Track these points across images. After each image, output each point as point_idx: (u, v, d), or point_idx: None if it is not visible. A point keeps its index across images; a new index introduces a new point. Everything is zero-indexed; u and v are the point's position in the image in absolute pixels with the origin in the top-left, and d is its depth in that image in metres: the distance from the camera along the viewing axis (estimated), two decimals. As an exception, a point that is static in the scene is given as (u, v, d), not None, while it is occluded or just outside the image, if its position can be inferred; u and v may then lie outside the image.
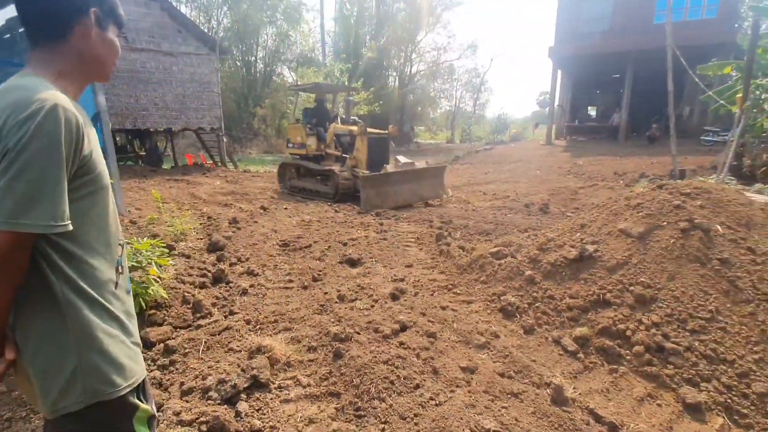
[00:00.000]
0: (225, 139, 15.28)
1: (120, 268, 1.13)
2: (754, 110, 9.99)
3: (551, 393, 2.18)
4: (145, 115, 12.47)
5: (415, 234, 5.35)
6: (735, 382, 2.18)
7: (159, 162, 13.89)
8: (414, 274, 3.90)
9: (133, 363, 1.09)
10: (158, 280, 3.30)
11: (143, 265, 2.82)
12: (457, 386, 2.26)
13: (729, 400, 2.13)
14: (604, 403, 2.24)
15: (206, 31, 28.26)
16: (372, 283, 3.65)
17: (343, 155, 8.37)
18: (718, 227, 2.81)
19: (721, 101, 11.36)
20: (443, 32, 35.73)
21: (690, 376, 2.27)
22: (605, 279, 2.90)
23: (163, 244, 3.08)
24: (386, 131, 8.72)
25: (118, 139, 15.73)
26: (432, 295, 3.39)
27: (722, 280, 2.57)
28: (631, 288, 2.73)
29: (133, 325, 1.16)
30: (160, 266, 3.73)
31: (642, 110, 21.02)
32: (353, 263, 4.25)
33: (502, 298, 3.20)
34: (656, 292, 2.66)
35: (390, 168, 7.62)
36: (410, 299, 3.29)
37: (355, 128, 8.20)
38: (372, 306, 3.20)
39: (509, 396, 2.20)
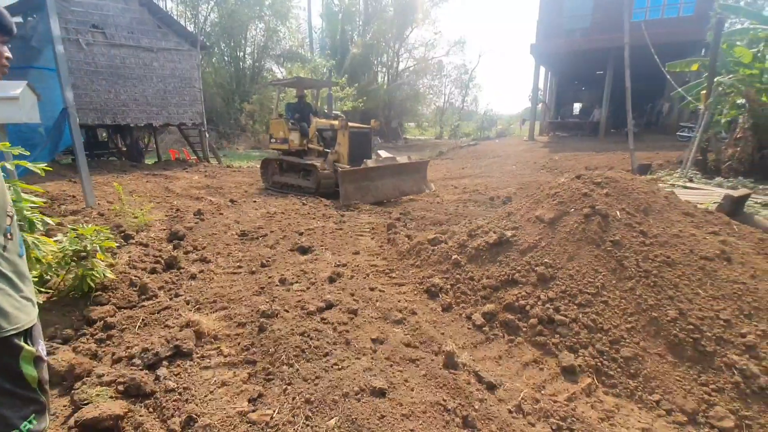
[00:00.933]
0: (208, 135, 15.41)
1: (9, 234, 1.35)
2: (718, 106, 10.31)
3: (444, 359, 2.43)
4: (125, 111, 12.58)
5: (371, 225, 5.60)
6: (607, 348, 2.44)
7: (140, 157, 14.01)
8: (358, 260, 4.14)
9: (19, 312, 1.32)
10: (112, 265, 3.53)
11: (88, 249, 3.03)
12: (363, 354, 2.50)
13: (600, 364, 2.40)
14: (492, 367, 2.50)
15: (193, 26, 28.26)
16: (315, 269, 3.89)
17: (326, 150, 8.33)
18: (617, 212, 3.08)
19: (689, 98, 11.70)
20: (431, 28, 35.92)
21: (571, 343, 2.53)
22: (517, 261, 3.16)
23: (107, 229, 3.28)
24: (368, 126, 8.66)
25: (102, 134, 15.85)
26: (366, 278, 3.63)
27: (612, 259, 2.83)
28: (536, 268, 2.99)
29: (24, 284, 1.38)
30: (115, 253, 3.95)
31: (623, 106, 21.37)
32: (304, 251, 4.48)
33: (429, 280, 3.45)
34: (556, 271, 2.92)
35: (371, 163, 7.58)
36: (345, 282, 3.53)
37: (336, 122, 8.17)
38: (308, 288, 3.43)
39: (407, 362, 2.44)
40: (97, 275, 3.09)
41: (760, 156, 9.52)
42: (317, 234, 5.07)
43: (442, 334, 2.81)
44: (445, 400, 2.10)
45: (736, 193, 5.87)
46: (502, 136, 27.08)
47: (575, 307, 2.68)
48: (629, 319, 2.53)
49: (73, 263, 3.04)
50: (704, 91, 9.86)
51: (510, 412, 2.08)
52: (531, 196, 3.87)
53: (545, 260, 3.00)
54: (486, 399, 2.15)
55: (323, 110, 10.32)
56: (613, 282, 2.72)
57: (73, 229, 3.12)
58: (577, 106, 27.52)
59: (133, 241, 4.47)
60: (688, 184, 8.95)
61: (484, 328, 2.85)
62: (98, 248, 3.09)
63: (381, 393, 2.12)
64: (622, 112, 21.64)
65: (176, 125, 14.26)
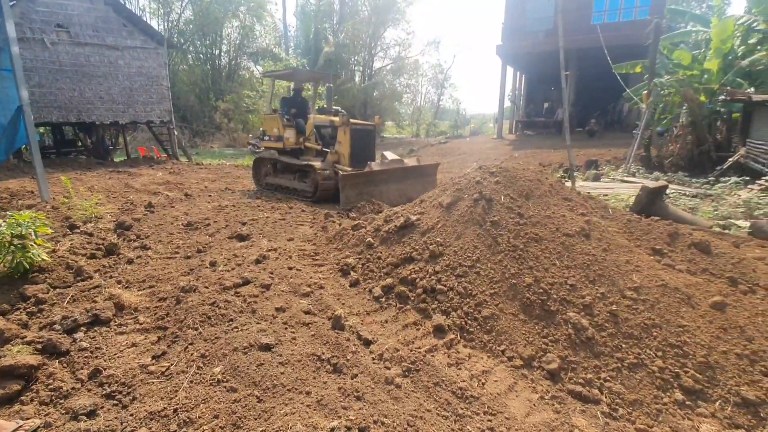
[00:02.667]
0: (177, 133, 15.51)
1: None
2: (660, 105, 11.00)
3: (332, 321, 2.81)
4: (91, 109, 12.63)
5: (314, 215, 5.96)
6: (472, 310, 2.86)
7: (106, 154, 14.04)
8: (289, 246, 4.49)
9: None
10: (54, 251, 3.80)
11: (24, 233, 3.31)
12: (264, 320, 2.86)
13: (464, 323, 2.81)
14: (377, 329, 2.89)
15: (165, 23, 28.07)
16: (247, 253, 4.23)
17: (324, 149, 7.61)
18: (502, 197, 3.51)
19: (636, 98, 12.40)
20: (407, 27, 36.37)
21: (445, 308, 2.94)
22: (417, 241, 3.57)
23: (43, 216, 3.56)
24: (371, 123, 7.98)
25: (70, 132, 15.78)
26: (289, 259, 3.99)
27: (489, 237, 3.26)
28: (430, 246, 3.40)
29: None
30: (58, 241, 4.22)
31: (587, 106, 22.24)
32: (242, 238, 4.81)
33: (344, 260, 3.83)
34: (445, 248, 3.33)
35: (376, 166, 7.00)
36: (269, 263, 3.88)
37: (336, 119, 7.46)
38: (233, 269, 3.77)
39: (301, 325, 2.81)
40: (33, 258, 3.37)
41: (699, 152, 10.23)
42: (259, 224, 5.41)
43: (343, 304, 3.19)
44: (321, 353, 2.48)
45: (652, 185, 6.43)
46: (476, 134, 27.73)
47: (454, 277, 3.09)
48: (494, 286, 2.96)
49: (13, 247, 3.32)
50: (645, 92, 10.52)
51: (373, 360, 2.47)
52: (441, 185, 4.29)
53: (438, 239, 3.41)
54: (358, 352, 2.54)
55: (322, 106, 9.58)
56: (487, 256, 3.14)
57: (12, 216, 3.39)
58: (547, 105, 28.37)
59: (79, 231, 4.73)
60: (627, 178, 9.58)
61: (381, 299, 3.24)
62: (33, 233, 3.37)
63: (267, 348, 2.49)
64: (585, 111, 22.55)
65: (144, 123, 14.33)
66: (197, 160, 15.24)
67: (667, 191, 7.53)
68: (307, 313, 2.98)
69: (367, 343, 2.65)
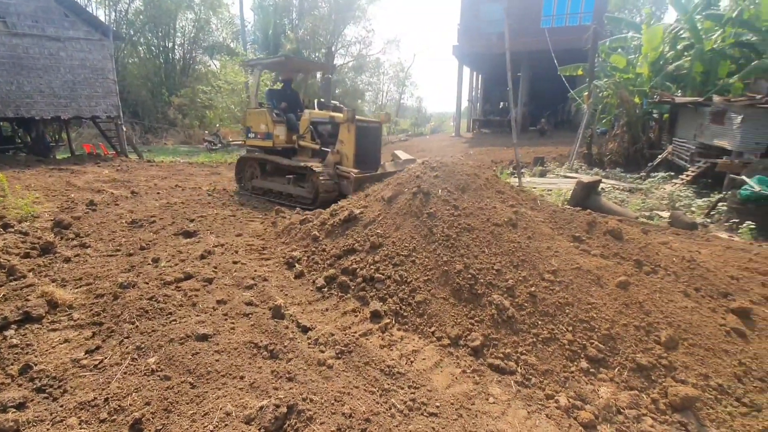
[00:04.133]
0: (126, 129, 14.85)
1: None
2: (599, 106, 11.75)
3: (273, 311, 2.90)
4: (30, 103, 11.86)
5: (266, 211, 5.98)
6: (407, 296, 3.04)
7: (47, 151, 13.23)
8: (237, 241, 4.52)
9: None
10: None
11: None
12: (204, 312, 2.91)
13: (399, 308, 2.99)
14: (317, 317, 3.01)
15: (113, 13, 26.67)
16: (192, 249, 4.22)
17: (323, 149, 6.81)
18: (439, 191, 3.72)
19: (579, 99, 13.16)
20: (368, 25, 36.46)
21: (383, 295, 3.11)
22: (359, 233, 3.71)
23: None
24: (377, 120, 7.20)
25: (4, 127, 14.71)
26: (235, 254, 4.03)
27: (425, 227, 3.46)
28: (371, 238, 3.55)
29: None
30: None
31: (540, 106, 23.28)
32: (189, 235, 4.77)
33: (290, 254, 3.92)
34: (384, 239, 3.50)
35: (391, 166, 6.45)
36: (214, 258, 3.90)
37: (339, 114, 6.73)
38: (176, 264, 3.77)
39: (241, 316, 2.89)
40: (-43, 257, 3.23)
41: (633, 150, 11.04)
42: (208, 220, 5.37)
43: (286, 295, 3.29)
44: (259, 341, 2.57)
45: (586, 180, 6.91)
46: (436, 132, 28.31)
47: (391, 266, 3.26)
48: (428, 273, 3.15)
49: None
50: (586, 93, 11.23)
51: (309, 345, 2.59)
52: (387, 180, 4.47)
53: (378, 231, 3.57)
54: (296, 338, 2.65)
55: (318, 99, 8.76)
56: (423, 245, 3.34)
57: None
58: (502, 105, 29.42)
59: (13, 230, 4.53)
60: (570, 174, 10.20)
61: (323, 289, 3.36)
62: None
63: (204, 338, 2.55)
64: (538, 110, 23.61)
65: (89, 118, 13.61)
66: (148, 158, 14.66)
67: (603, 186, 8.13)
68: (248, 304, 3.05)
69: (306, 330, 2.77)
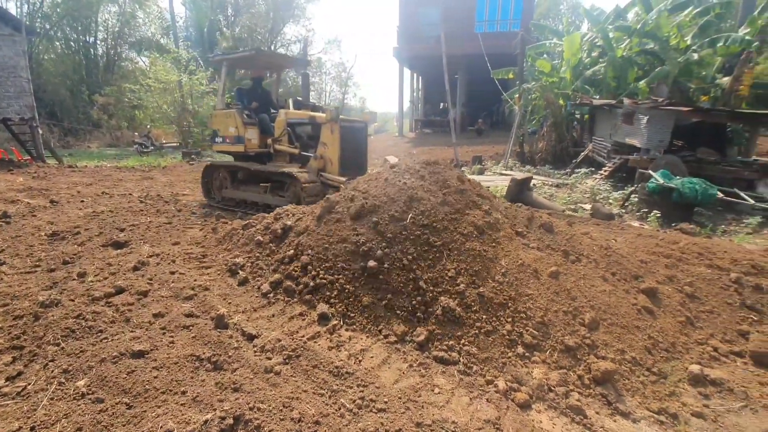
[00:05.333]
0: (41, 131, 13.43)
1: None
2: (529, 107, 12.57)
3: (215, 321, 2.82)
4: None
5: (206, 216, 5.73)
6: (352, 299, 3.09)
7: (-56, 158, 11.63)
8: (174, 250, 4.30)
9: None
10: None
11: None
12: (139, 327, 2.76)
13: (346, 310, 3.02)
14: (263, 323, 2.96)
15: (26, 5, 23.98)
16: (124, 260, 3.95)
17: (303, 153, 6.32)
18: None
19: (510, 101, 13.98)
20: (308, 24, 36.01)
21: (327, 298, 3.13)
22: (296, 240, 3.69)
23: None
24: (362, 120, 6.71)
25: None
26: (172, 264, 3.84)
27: (371, 229, 3.52)
28: (309, 246, 3.55)
29: None
30: None
31: (477, 107, 24.38)
32: (119, 245, 4.46)
33: (233, 260, 3.80)
34: (325, 248, 3.51)
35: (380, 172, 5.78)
36: (149, 269, 3.69)
37: (320, 114, 6.24)
38: (106, 278, 3.52)
39: (181, 328, 2.77)
40: None
41: (560, 148, 11.93)
42: (140, 229, 5.05)
43: (229, 303, 3.19)
44: (201, 353, 2.48)
45: (519, 176, 7.38)
46: (380, 132, 28.60)
47: (329, 274, 3.27)
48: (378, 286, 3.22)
49: None
50: (517, 95, 12.00)
51: (255, 353, 2.55)
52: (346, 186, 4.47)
53: (310, 242, 3.58)
54: (241, 347, 2.60)
55: (295, 99, 8.10)
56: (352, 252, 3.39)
57: None
58: (442, 106, 30.43)
59: None
60: (505, 171, 10.82)
61: (269, 295, 3.31)
62: None
63: (140, 354, 2.42)
64: (476, 111, 24.73)
65: (-2, 121, 12.15)
66: (70, 162, 13.38)
67: (534, 182, 8.73)
68: (188, 315, 2.93)
69: (251, 337, 2.72)
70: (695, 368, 2.70)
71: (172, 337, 2.66)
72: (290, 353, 2.51)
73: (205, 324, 2.81)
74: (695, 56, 9.75)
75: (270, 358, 2.49)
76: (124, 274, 3.60)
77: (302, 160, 6.28)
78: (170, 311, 2.96)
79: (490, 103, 24.76)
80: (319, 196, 5.47)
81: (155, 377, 2.23)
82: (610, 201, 7.53)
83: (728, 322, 3.36)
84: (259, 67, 7.81)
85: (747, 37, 8.95)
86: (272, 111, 7.01)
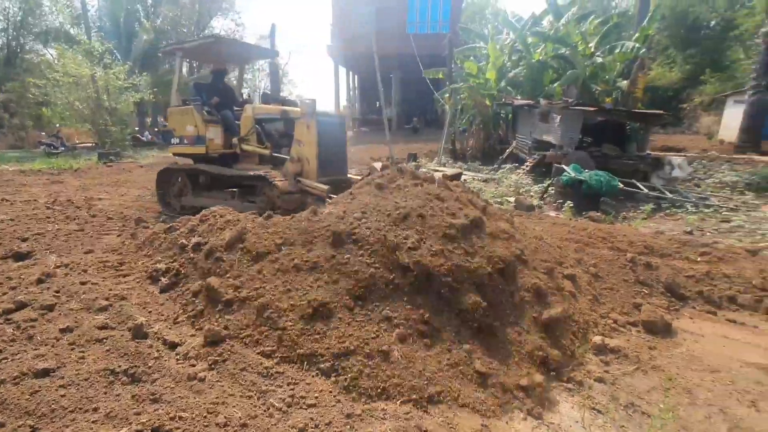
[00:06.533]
0: None
1: None
2: (458, 107, 13.17)
3: (133, 331, 2.66)
4: None
5: (124, 221, 5.34)
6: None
7: None
8: (86, 259, 3.96)
9: None
10: None
11: None
12: (45, 345, 2.52)
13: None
14: (187, 330, 2.84)
15: None
16: (26, 273, 3.57)
17: (274, 154, 5.71)
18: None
19: (442, 100, 14.54)
20: (237, 18, 34.54)
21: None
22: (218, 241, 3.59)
23: None
24: (338, 115, 6.72)
25: None
26: (83, 274, 3.55)
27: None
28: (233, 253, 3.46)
29: None
30: None
31: (412, 106, 25.00)
32: (21, 257, 4.02)
33: (155, 266, 3.60)
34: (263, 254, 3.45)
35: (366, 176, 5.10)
36: (56, 281, 3.37)
37: (294, 108, 5.73)
38: (5, 293, 3.17)
39: (93, 342, 2.58)
40: None
41: (488, 145, 12.63)
42: (47, 238, 4.58)
43: (150, 312, 3.03)
44: (117, 366, 2.34)
45: (450, 172, 7.72)
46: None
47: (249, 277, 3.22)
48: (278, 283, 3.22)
49: None
50: (447, 95, 12.53)
51: (178, 361, 2.46)
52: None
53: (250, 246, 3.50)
54: (162, 356, 2.48)
55: (263, 92, 7.46)
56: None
57: None
58: (378, 104, 30.76)
59: None
60: (439, 168, 11.25)
61: (195, 301, 3.18)
62: None
63: (45, 373, 2.23)
64: (412, 110, 25.36)
65: None
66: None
67: (464, 177, 9.18)
68: (102, 328, 2.74)
69: (174, 346, 2.61)
70: (598, 339, 3.03)
71: (82, 352, 2.48)
72: (216, 358, 2.45)
73: (122, 335, 2.65)
74: (599, 61, 10.88)
75: (194, 365, 2.41)
76: (26, 287, 3.26)
77: (274, 161, 5.69)
78: (81, 325, 2.74)
79: (425, 102, 25.50)
80: (297, 204, 5.02)
81: (63, 396, 2.07)
82: (531, 194, 8.14)
83: (625, 296, 3.80)
84: (219, 58, 6.99)
85: (637, 45, 10.17)
86: (236, 108, 6.41)
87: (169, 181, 6.52)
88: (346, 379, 2.34)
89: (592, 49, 10.91)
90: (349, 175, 5.86)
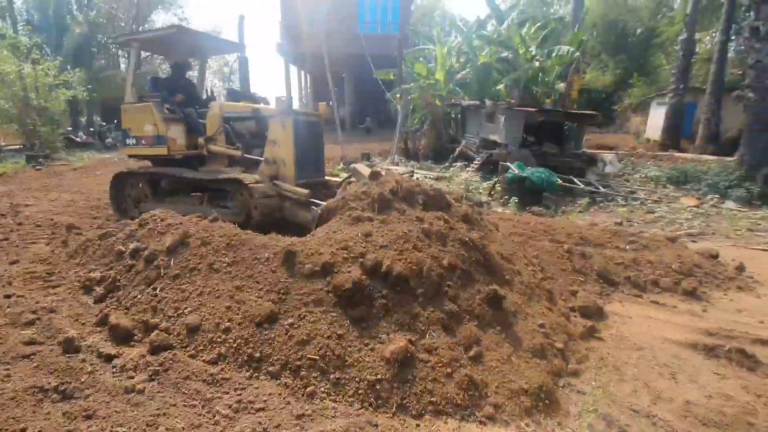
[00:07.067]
0: None
1: None
2: (410, 107, 13.40)
3: (63, 345, 2.49)
4: None
5: (54, 228, 4.95)
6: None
7: None
8: (11, 270, 3.64)
9: None
10: None
11: None
12: (-41, 366, 2.30)
13: (223, 314, 2.91)
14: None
15: None
16: (-65, 290, 3.22)
17: (246, 156, 5.21)
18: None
19: (393, 100, 14.72)
20: (180, 13, 32.84)
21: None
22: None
23: None
24: (316, 113, 5.63)
25: None
26: (7, 286, 3.27)
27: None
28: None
29: None
30: None
31: (365, 105, 25.06)
32: (-72, 273, 3.61)
33: (88, 275, 3.37)
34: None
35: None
36: (-27, 297, 3.08)
37: (268, 106, 5.33)
38: None
39: (19, 359, 2.38)
40: None
41: (440, 144, 12.94)
42: (-37, 250, 4.15)
43: (83, 324, 2.84)
44: (46, 383, 2.18)
45: (402, 171, 7.84)
46: (268, 132, 27.55)
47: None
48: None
49: None
50: (398, 95, 12.71)
51: (115, 374, 2.34)
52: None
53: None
54: (97, 370, 2.35)
55: (230, 88, 6.77)
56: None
57: None
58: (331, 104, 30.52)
59: None
60: (392, 167, 11.38)
61: (132, 310, 3.02)
62: None
63: (-42, 396, 2.03)
64: (365, 110, 25.42)
65: None
66: None
67: (417, 176, 9.37)
68: (29, 343, 2.54)
69: (110, 358, 2.47)
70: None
71: (8, 370, 2.29)
72: (157, 368, 2.35)
73: (52, 350, 2.47)
74: (538, 64, 11.53)
75: (132, 377, 2.30)
76: (-66, 306, 2.94)
77: (246, 163, 5.24)
78: (5, 341, 2.53)
79: (378, 102, 25.66)
80: (274, 209, 4.73)
81: (-17, 419, 1.90)
82: (480, 191, 8.47)
83: (564, 284, 4.07)
84: (182, 50, 6.29)
85: (572, 49, 10.91)
86: (198, 107, 5.92)
87: (124, 189, 5.95)
88: (295, 380, 2.33)
89: (533, 53, 11.55)
90: (326, 177, 5.64)
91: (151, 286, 3.04)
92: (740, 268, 4.52)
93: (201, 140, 5.47)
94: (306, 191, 4.63)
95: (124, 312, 2.92)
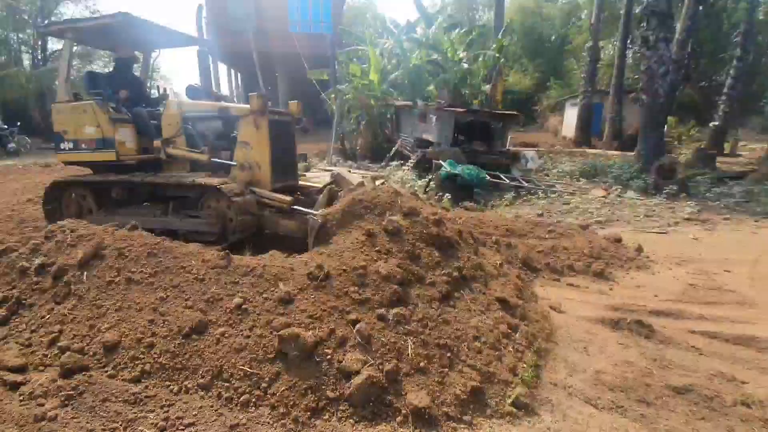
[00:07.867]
0: None
1: None
2: (345, 107, 13.43)
3: (-47, 379, 2.20)
4: None
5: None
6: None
7: None
8: None
9: None
10: None
11: None
12: None
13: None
14: (35, 366, 2.45)
15: None
16: None
17: (214, 160, 4.67)
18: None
19: (329, 101, 14.66)
20: (91, 5, 29.79)
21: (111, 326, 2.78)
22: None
23: None
24: (287, 112, 5.17)
25: None
26: None
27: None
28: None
29: None
30: None
31: (302, 106, 24.55)
32: None
33: (-22, 298, 2.99)
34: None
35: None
36: None
37: (240, 105, 4.84)
38: None
39: None
40: None
41: (376, 144, 13.10)
42: None
43: (-19, 350, 2.53)
44: (-69, 422, 1.92)
45: (337, 171, 7.84)
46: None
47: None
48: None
49: None
50: (333, 96, 12.68)
51: (23, 401, 2.12)
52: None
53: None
54: (2, 399, 2.13)
55: (190, 85, 5.54)
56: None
57: None
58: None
59: None
60: (329, 168, 11.34)
61: (37, 332, 2.74)
62: None
63: None
64: (303, 109, 24.94)
65: None
66: None
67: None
68: None
69: (16, 385, 2.24)
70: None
71: None
72: (70, 392, 2.16)
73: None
74: (466, 67, 12.14)
75: (43, 404, 2.09)
76: None
77: (210, 167, 4.72)
78: None
79: (314, 102, 25.30)
80: (253, 218, 4.31)
81: None
82: (416, 188, 8.72)
83: (492, 274, 4.34)
84: (126, 42, 5.52)
85: (496, 54, 11.64)
86: (144, 105, 5.35)
87: (61, 200, 5.23)
88: (226, 390, 2.27)
89: (461, 56, 12.15)
90: (300, 182, 5.35)
91: (62, 305, 2.78)
92: (638, 250, 5.13)
93: (157, 143, 4.87)
94: (289, 199, 4.32)
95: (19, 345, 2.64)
